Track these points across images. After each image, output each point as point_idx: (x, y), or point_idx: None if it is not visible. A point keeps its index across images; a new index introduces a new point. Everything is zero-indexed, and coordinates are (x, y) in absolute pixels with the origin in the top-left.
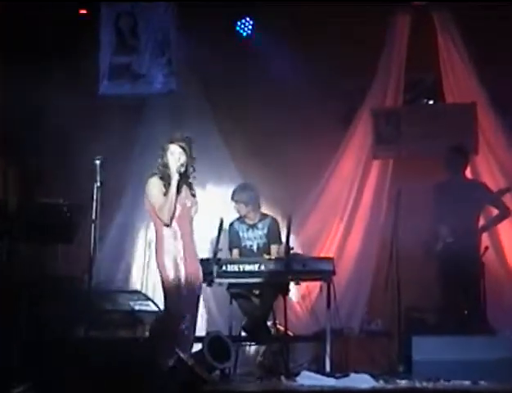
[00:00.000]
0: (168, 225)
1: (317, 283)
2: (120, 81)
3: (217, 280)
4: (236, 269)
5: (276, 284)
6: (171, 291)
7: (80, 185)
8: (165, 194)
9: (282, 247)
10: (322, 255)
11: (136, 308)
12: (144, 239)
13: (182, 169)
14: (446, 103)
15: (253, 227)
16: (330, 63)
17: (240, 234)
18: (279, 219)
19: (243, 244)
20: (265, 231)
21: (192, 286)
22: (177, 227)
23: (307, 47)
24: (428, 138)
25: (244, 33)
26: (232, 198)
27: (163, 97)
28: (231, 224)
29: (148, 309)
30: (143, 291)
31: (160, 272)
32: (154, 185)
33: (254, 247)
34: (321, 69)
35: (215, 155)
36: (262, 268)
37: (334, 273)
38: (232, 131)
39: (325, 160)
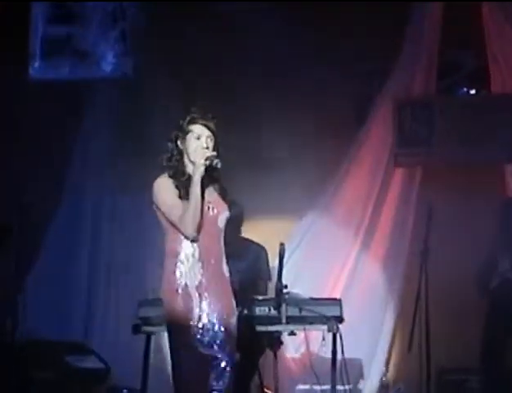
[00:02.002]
0: (193, 240)
1: (319, 332)
2: (57, 61)
3: None
4: None
5: (263, 335)
6: (185, 350)
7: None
8: (181, 197)
9: (272, 284)
10: (326, 295)
11: (77, 365)
12: (92, 265)
13: (212, 161)
14: (493, 93)
15: (233, 257)
16: (340, 39)
17: None
18: (268, 246)
19: None
20: (249, 262)
21: (224, 340)
22: (196, 244)
23: (310, 19)
24: (470, 140)
25: None
26: None
27: (114, 83)
28: None
29: (92, 366)
30: (87, 343)
31: (168, 318)
32: (166, 187)
33: (235, 284)
34: (327, 47)
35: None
36: (245, 312)
37: (341, 319)
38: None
39: (331, 168)
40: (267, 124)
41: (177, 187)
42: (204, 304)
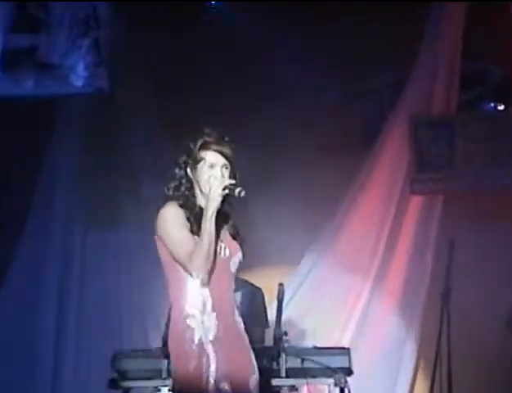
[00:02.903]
0: (204, 284)
1: (324, 387)
2: (19, 74)
3: (167, 382)
4: None
5: (260, 390)
6: None
7: None
8: (192, 232)
9: (270, 332)
10: (333, 344)
11: None
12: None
13: (231, 191)
14: None
15: None
16: (346, 48)
17: None
18: (265, 289)
19: None
20: (242, 306)
21: None
22: (208, 291)
23: (313, 23)
24: (497, 162)
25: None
26: None
27: (87, 99)
28: None
29: None
30: None
31: (175, 373)
32: (176, 218)
33: None
34: (330, 55)
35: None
36: None
37: (350, 371)
38: None
39: (337, 196)
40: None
41: (188, 219)
42: (222, 363)
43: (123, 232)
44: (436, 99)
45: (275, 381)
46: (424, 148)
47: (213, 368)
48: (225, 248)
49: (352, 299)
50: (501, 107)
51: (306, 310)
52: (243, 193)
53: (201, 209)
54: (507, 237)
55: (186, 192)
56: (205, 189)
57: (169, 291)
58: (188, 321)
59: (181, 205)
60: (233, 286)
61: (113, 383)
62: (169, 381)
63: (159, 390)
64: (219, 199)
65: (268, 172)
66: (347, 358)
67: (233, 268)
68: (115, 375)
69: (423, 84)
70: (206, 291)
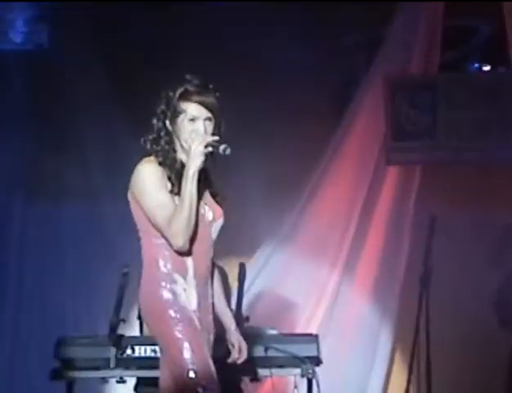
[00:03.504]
0: (182, 253)
1: (290, 378)
2: None
3: (116, 372)
4: (151, 354)
5: (219, 382)
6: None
7: None
8: (173, 192)
9: (231, 316)
10: (299, 330)
11: None
12: None
13: (215, 148)
14: None
15: None
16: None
17: None
18: (227, 268)
19: None
20: None
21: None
22: (191, 260)
23: None
24: (484, 132)
25: None
26: None
27: (27, 57)
28: None
29: None
30: None
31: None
32: (154, 176)
33: None
34: (300, 13)
35: (127, 166)
36: None
37: (319, 361)
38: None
39: (306, 166)
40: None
41: (169, 178)
42: (204, 335)
43: (69, 206)
44: (415, 59)
45: (235, 372)
46: (402, 114)
47: (200, 358)
48: (208, 211)
49: (319, 283)
50: (487, 68)
51: (267, 298)
52: (228, 151)
53: (183, 165)
54: (492, 215)
55: (166, 146)
56: (186, 145)
57: (145, 252)
58: (170, 285)
59: (160, 163)
60: (211, 255)
61: (56, 373)
62: (118, 372)
63: (107, 381)
64: (202, 157)
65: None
66: (315, 346)
67: (214, 235)
68: (58, 364)
69: (400, 43)
70: (189, 256)
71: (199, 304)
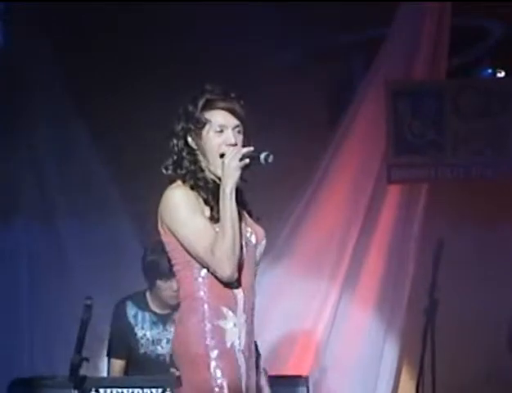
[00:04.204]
0: (230, 284)
1: None
2: None
3: None
4: None
5: None
6: None
7: None
8: (213, 218)
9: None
10: (290, 370)
11: None
12: None
13: (245, 162)
14: None
15: (164, 319)
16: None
17: (138, 331)
18: None
19: (141, 350)
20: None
21: None
22: (241, 291)
23: None
24: (497, 145)
25: None
26: (156, 268)
27: None
28: (119, 307)
29: None
30: None
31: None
32: (185, 199)
33: (166, 357)
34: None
35: (84, 176)
36: None
37: None
38: (112, 133)
39: (298, 182)
40: None
41: (206, 202)
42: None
43: (22, 227)
44: (420, 63)
45: None
46: (405, 125)
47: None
48: (251, 234)
49: (312, 312)
50: (502, 74)
51: (264, 313)
52: (271, 158)
53: (216, 184)
54: (505, 236)
55: (192, 167)
56: (215, 161)
57: (185, 288)
58: (217, 320)
59: (191, 187)
60: (254, 281)
61: None
62: None
63: None
64: (238, 172)
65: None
66: (304, 389)
67: (258, 259)
68: None
69: (403, 44)
70: (239, 287)
71: (246, 342)
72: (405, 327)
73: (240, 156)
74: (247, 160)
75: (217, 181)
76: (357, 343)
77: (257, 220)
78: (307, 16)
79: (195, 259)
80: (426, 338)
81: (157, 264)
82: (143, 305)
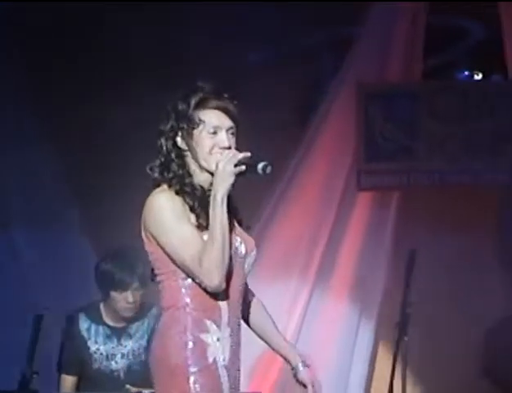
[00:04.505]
0: (215, 296)
1: None
2: None
3: None
4: None
5: None
6: None
7: None
8: (200, 225)
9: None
10: (260, 370)
11: None
12: None
13: (241, 169)
14: (511, 79)
15: (120, 332)
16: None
17: (91, 345)
18: None
19: (94, 365)
20: (144, 341)
21: None
22: (227, 303)
23: None
24: (475, 151)
25: None
26: (110, 279)
27: None
28: (71, 320)
29: None
30: None
31: None
32: (171, 206)
33: (121, 373)
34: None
35: (44, 187)
36: None
37: None
38: (69, 131)
39: (268, 183)
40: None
41: (192, 209)
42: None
43: None
44: (393, 64)
45: None
46: (377, 128)
47: None
48: (240, 243)
49: (283, 312)
50: (479, 77)
51: None
52: (269, 169)
53: (203, 190)
54: (480, 245)
55: (180, 171)
56: (207, 165)
57: (168, 298)
58: (199, 333)
59: (177, 192)
60: (243, 295)
61: None
62: None
63: None
64: (232, 178)
65: None
66: None
67: (247, 270)
68: None
69: (376, 44)
70: (224, 298)
71: (231, 358)
72: (376, 337)
73: (235, 161)
74: (243, 167)
75: (205, 187)
76: (328, 347)
77: (247, 229)
78: (281, 16)
79: (180, 268)
80: (396, 357)
81: (111, 274)
82: (97, 318)
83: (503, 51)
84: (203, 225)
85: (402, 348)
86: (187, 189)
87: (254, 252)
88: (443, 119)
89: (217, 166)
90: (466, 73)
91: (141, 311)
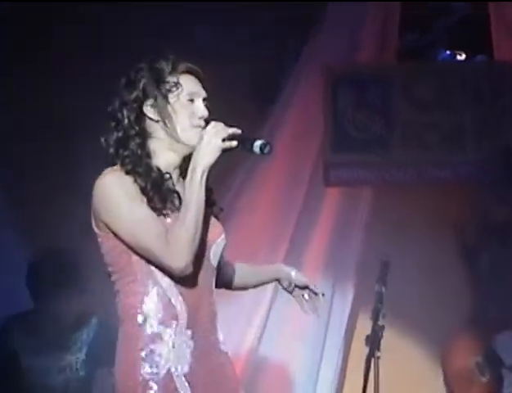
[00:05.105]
0: (174, 296)
1: None
2: None
3: None
4: None
5: None
6: None
7: None
8: (153, 208)
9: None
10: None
11: None
12: None
13: (232, 144)
14: (497, 61)
15: (56, 344)
16: None
17: (24, 358)
18: None
19: (28, 381)
20: (82, 354)
21: None
22: (180, 297)
23: None
24: (457, 143)
25: None
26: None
27: None
28: (1, 330)
29: None
30: None
31: None
32: (120, 185)
33: (57, 390)
34: None
35: None
36: None
37: None
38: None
39: (224, 174)
40: None
41: (144, 191)
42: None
43: None
44: (365, 44)
45: None
46: (347, 117)
47: None
48: (212, 231)
49: (243, 318)
50: (462, 57)
51: None
52: (268, 149)
53: (161, 172)
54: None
55: (138, 151)
56: (187, 137)
57: (123, 305)
58: (152, 344)
59: (127, 172)
60: (213, 289)
61: None
62: None
63: None
64: (217, 154)
65: None
66: None
67: (214, 261)
68: None
69: (345, 22)
70: (179, 297)
71: (195, 364)
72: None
73: (224, 135)
74: (233, 143)
75: (165, 170)
76: (293, 351)
77: (220, 212)
78: None
79: (137, 262)
80: (368, 370)
81: (46, 277)
82: (30, 328)
83: (488, 28)
84: (155, 209)
85: (374, 364)
86: (140, 170)
87: (221, 240)
88: (421, 106)
89: (202, 137)
90: (447, 53)
91: (79, 321)
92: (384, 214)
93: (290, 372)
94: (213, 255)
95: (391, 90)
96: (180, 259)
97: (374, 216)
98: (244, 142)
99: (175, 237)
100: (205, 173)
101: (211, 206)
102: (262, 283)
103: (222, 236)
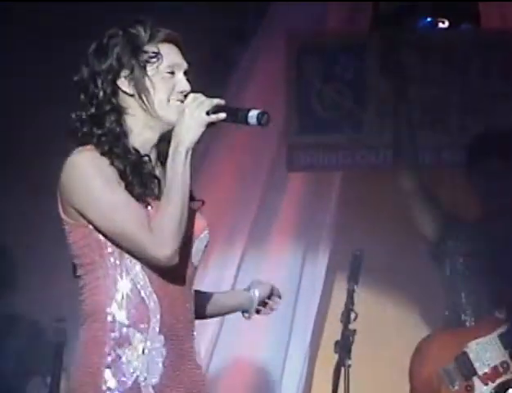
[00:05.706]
0: (156, 278)
1: None
2: None
3: None
4: None
5: None
6: None
7: None
8: (131, 193)
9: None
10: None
11: None
12: None
13: (220, 117)
14: (484, 29)
15: None
16: None
17: None
18: None
19: None
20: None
21: None
22: (155, 296)
23: None
24: (441, 120)
25: None
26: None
27: None
28: None
29: None
30: None
31: None
32: (96, 166)
33: None
34: None
35: None
36: None
37: None
38: None
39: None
40: None
41: (122, 174)
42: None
43: None
44: (334, 10)
45: None
46: (313, 92)
47: None
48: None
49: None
50: (445, 25)
51: None
52: (265, 119)
53: (139, 154)
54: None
55: (116, 128)
56: (166, 112)
57: (89, 302)
58: (119, 349)
59: (103, 153)
60: (192, 291)
61: None
62: None
63: None
64: (201, 129)
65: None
66: None
67: (195, 259)
68: None
69: None
70: (153, 296)
71: (165, 374)
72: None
73: (208, 108)
74: (222, 115)
75: (142, 152)
76: (255, 347)
77: (202, 204)
78: None
79: (109, 256)
80: (338, 380)
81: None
82: None
83: None
84: (134, 195)
85: (345, 374)
86: (118, 151)
87: (204, 235)
88: (398, 79)
89: (183, 111)
90: (428, 20)
91: (8, 324)
92: (352, 200)
93: (249, 381)
94: (195, 251)
95: (363, 62)
96: (166, 247)
97: (342, 203)
98: (236, 113)
99: (159, 223)
100: (189, 152)
101: (192, 199)
102: (227, 312)
103: (206, 231)
